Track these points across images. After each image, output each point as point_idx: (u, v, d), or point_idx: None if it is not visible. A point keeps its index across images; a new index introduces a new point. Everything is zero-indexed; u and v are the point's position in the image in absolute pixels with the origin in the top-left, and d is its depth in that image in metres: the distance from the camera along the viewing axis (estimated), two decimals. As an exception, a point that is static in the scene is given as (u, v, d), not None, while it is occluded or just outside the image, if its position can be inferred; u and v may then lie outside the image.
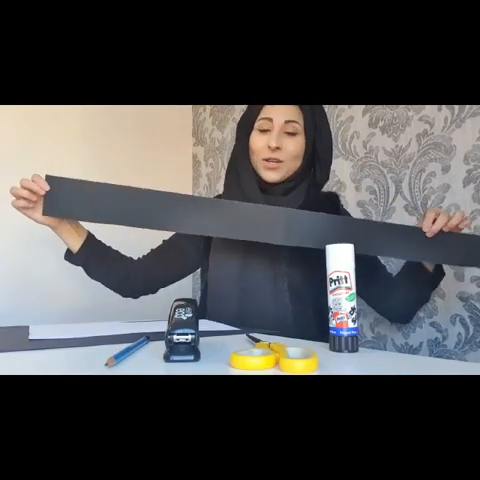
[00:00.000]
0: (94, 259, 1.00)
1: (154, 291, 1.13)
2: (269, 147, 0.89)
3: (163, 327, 0.54)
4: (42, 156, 1.69)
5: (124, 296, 1.11)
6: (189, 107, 2.22)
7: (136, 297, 1.13)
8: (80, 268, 1.02)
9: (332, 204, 1.00)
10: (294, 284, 0.90)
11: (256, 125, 0.93)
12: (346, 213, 1.04)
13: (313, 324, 0.89)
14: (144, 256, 1.11)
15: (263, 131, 0.92)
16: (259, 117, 0.93)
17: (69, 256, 1.00)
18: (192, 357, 0.50)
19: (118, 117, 1.92)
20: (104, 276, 1.04)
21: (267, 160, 0.92)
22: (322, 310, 0.88)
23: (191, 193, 2.18)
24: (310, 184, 0.96)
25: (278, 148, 0.90)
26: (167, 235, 1.11)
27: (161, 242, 1.12)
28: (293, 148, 0.92)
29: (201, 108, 2.17)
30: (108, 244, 1.06)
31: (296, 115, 0.91)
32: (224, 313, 0.92)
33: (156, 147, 2.06)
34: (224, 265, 0.96)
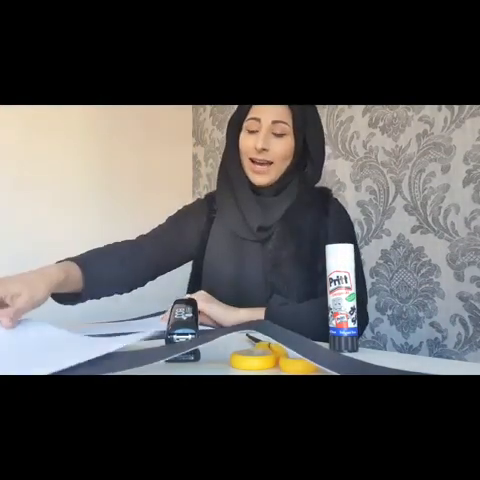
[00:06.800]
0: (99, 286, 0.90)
1: (153, 278, 1.04)
2: (255, 148, 0.89)
3: (129, 328, 0.52)
4: (42, 157, 1.69)
5: (128, 291, 1.01)
6: (189, 107, 2.22)
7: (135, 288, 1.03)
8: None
9: (323, 199, 0.98)
10: (277, 289, 0.90)
11: (245, 125, 0.92)
12: (340, 207, 1.01)
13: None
14: (140, 244, 1.00)
15: (251, 132, 0.91)
16: (248, 117, 0.92)
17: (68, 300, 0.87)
18: (192, 357, 0.50)
19: (118, 117, 1.92)
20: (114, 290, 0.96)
21: (253, 161, 0.91)
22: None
23: (191, 193, 2.18)
24: (301, 180, 0.96)
25: (264, 149, 0.89)
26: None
27: (151, 230, 1.03)
28: (281, 149, 0.90)
29: (201, 108, 2.18)
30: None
31: (284, 115, 0.90)
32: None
33: (156, 147, 2.06)
34: (222, 263, 0.95)
